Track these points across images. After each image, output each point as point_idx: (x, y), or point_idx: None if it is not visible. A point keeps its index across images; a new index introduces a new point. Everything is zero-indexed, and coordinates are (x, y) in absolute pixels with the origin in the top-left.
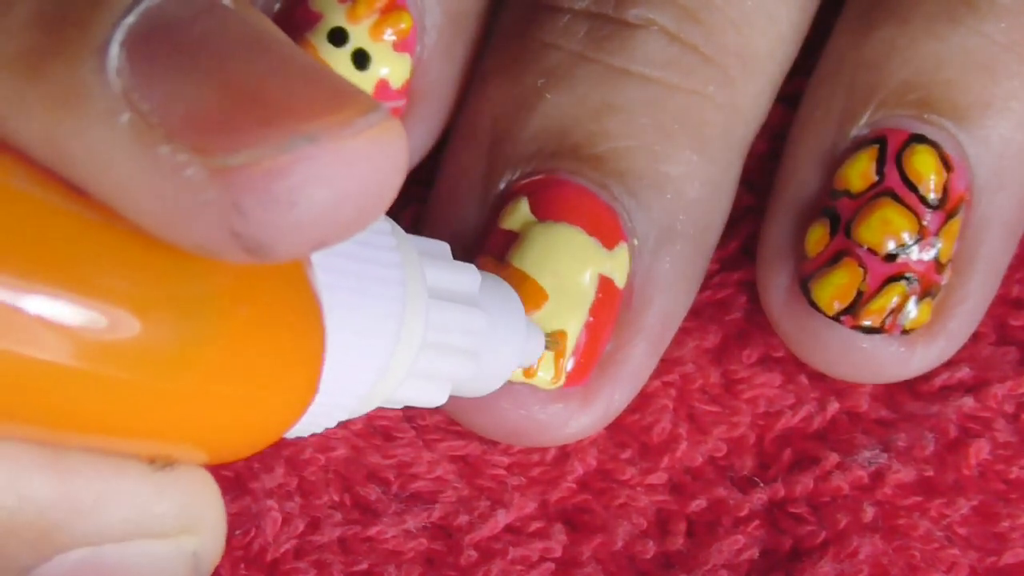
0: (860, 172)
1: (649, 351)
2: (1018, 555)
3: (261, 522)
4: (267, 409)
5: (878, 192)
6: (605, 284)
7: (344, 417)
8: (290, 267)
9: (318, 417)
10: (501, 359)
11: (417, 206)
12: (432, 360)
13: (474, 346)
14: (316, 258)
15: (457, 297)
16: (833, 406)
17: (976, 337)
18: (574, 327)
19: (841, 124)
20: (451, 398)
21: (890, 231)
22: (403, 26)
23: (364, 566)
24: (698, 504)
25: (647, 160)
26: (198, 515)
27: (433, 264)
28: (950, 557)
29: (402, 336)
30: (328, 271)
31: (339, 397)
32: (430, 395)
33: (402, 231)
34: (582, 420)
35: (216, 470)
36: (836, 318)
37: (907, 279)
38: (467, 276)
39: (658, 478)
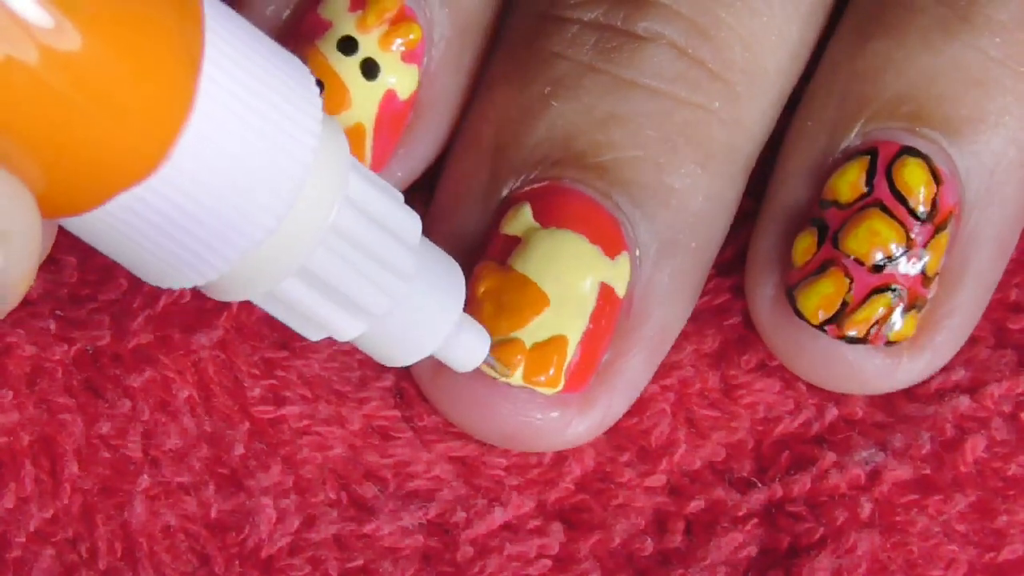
0: (849, 183)
1: (647, 361)
2: (1016, 551)
3: (256, 519)
4: (111, 135)
5: (867, 203)
6: (606, 292)
7: (222, 262)
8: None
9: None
10: (420, 327)
11: (417, 208)
12: (330, 264)
13: (390, 285)
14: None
15: (387, 226)
16: (832, 412)
17: (974, 341)
18: (574, 333)
19: (832, 135)
20: (445, 397)
21: (877, 242)
22: (412, 37)
23: (360, 563)
24: (696, 505)
25: (652, 171)
26: (8, 223)
27: (367, 177)
28: (948, 553)
29: (299, 197)
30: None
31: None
32: (318, 308)
33: (339, 129)
34: (579, 427)
35: (211, 468)
36: (821, 327)
37: (893, 291)
38: (410, 219)
39: (656, 480)
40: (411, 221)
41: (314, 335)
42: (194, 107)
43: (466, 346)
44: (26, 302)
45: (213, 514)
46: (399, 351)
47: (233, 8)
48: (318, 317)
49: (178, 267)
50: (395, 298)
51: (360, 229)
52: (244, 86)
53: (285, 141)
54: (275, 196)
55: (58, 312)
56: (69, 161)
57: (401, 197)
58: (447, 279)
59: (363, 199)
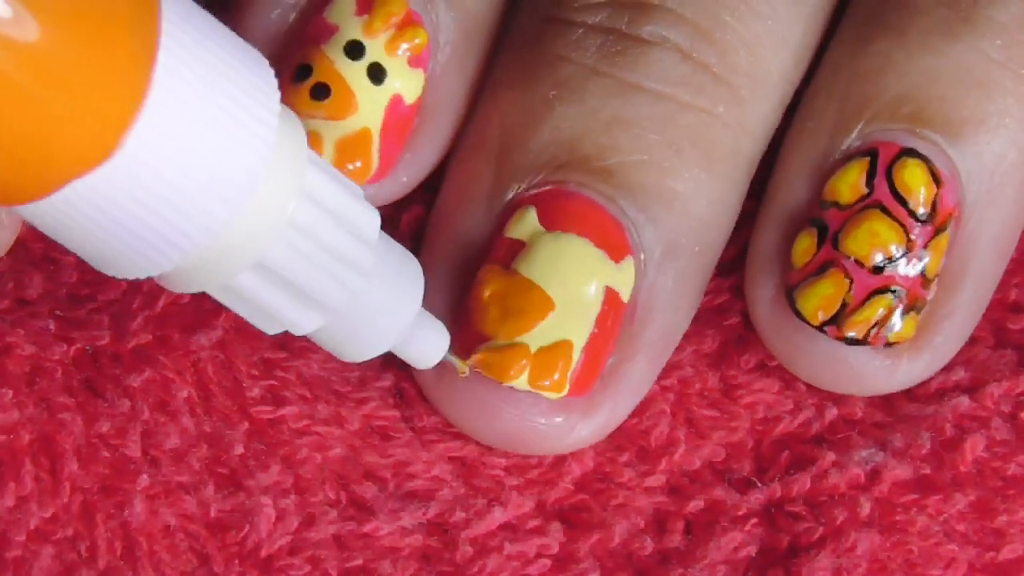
0: (850, 184)
1: (650, 365)
2: (1015, 550)
3: (255, 518)
4: (63, 122)
5: (867, 204)
6: (611, 297)
7: (186, 241)
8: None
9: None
10: (378, 323)
11: (420, 208)
12: (287, 258)
13: (347, 280)
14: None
15: (345, 220)
16: (831, 412)
17: (974, 341)
18: (580, 338)
19: (833, 135)
20: (449, 401)
21: (877, 243)
22: (418, 41)
23: (359, 562)
24: (696, 504)
25: (656, 175)
26: None
27: (326, 172)
28: (948, 552)
29: (255, 190)
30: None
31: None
32: (275, 302)
33: (298, 123)
34: (583, 431)
35: (211, 468)
36: (820, 328)
37: (893, 292)
38: (368, 214)
39: (656, 480)
40: (370, 216)
41: (270, 329)
42: (148, 97)
43: (425, 342)
44: (26, 302)
45: (213, 513)
46: (356, 346)
47: (238, 11)
48: (274, 311)
49: (132, 257)
50: (352, 293)
51: (317, 223)
52: (200, 77)
53: (241, 133)
54: (230, 189)
55: (58, 312)
56: (20, 148)
57: (361, 192)
58: (406, 275)
59: (321, 193)
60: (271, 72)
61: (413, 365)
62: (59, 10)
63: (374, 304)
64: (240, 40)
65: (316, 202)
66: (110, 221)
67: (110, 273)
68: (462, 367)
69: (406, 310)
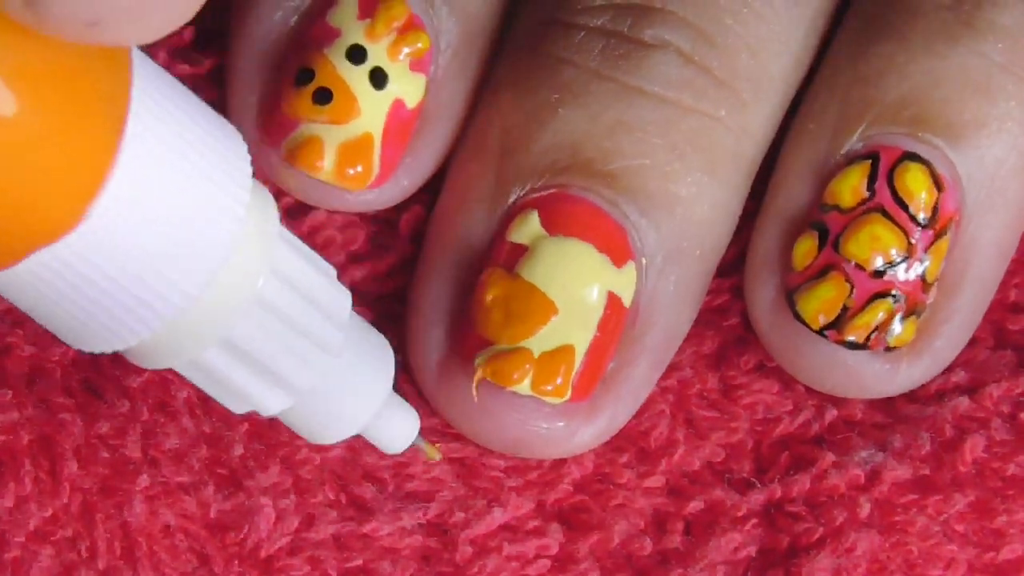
0: (851, 187)
1: (652, 370)
2: (1015, 551)
3: (255, 519)
4: (27, 192)
5: (868, 208)
6: (613, 301)
7: (153, 317)
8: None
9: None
10: (347, 405)
11: (420, 209)
12: (254, 336)
13: (315, 360)
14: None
15: (315, 300)
16: (831, 412)
17: (974, 342)
18: (582, 343)
19: (834, 138)
20: (451, 406)
21: (878, 247)
22: (420, 46)
23: (359, 562)
24: (695, 505)
25: (659, 180)
26: None
27: (296, 249)
28: (948, 553)
29: (224, 266)
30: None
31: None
32: (241, 380)
33: (270, 198)
34: (584, 436)
35: (211, 468)
36: (821, 332)
37: (893, 296)
38: (339, 294)
39: (655, 481)
40: (340, 296)
41: (238, 408)
42: (115, 167)
43: (394, 426)
44: None
45: (212, 514)
46: (324, 428)
47: (239, 14)
48: (241, 389)
49: (97, 331)
50: (320, 374)
51: (286, 302)
52: (170, 148)
53: (211, 208)
54: (198, 264)
55: None
56: None
57: (333, 272)
58: (377, 357)
59: (291, 271)
60: (243, 145)
61: (380, 448)
62: (24, 76)
63: (343, 386)
64: (213, 112)
65: (286, 280)
66: (75, 293)
67: (75, 347)
68: (432, 453)
69: (376, 393)
